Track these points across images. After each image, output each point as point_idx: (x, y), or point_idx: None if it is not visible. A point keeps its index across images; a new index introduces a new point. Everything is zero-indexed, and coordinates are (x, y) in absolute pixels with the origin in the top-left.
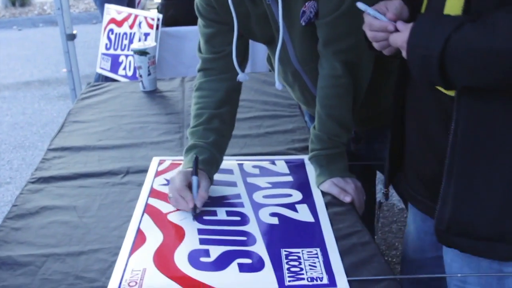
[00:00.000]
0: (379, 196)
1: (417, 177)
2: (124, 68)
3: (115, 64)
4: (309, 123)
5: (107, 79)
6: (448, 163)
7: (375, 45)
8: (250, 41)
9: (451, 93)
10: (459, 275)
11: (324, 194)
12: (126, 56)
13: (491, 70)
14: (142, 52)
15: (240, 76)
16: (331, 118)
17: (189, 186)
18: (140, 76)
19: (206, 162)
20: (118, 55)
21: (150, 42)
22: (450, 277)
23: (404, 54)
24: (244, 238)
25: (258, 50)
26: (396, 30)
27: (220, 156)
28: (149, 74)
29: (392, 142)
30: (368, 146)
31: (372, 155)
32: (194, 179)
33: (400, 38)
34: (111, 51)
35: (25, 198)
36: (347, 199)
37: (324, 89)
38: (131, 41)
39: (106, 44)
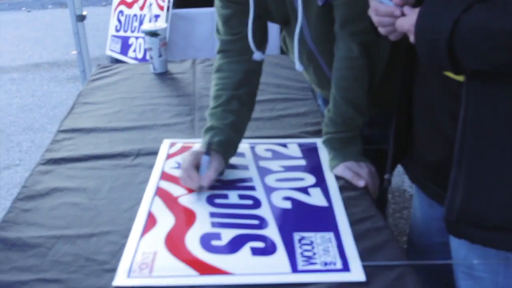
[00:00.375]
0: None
1: (425, 162)
2: (134, 50)
3: (125, 46)
4: (322, 106)
5: (118, 61)
6: (457, 151)
7: (381, 30)
8: None
9: (460, 78)
10: (475, 261)
11: (337, 178)
12: (136, 38)
13: (502, 52)
14: (153, 34)
15: (256, 55)
16: (346, 100)
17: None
18: (151, 58)
19: (223, 144)
20: (128, 37)
21: (161, 24)
22: (457, 264)
23: (411, 38)
24: (256, 222)
25: (270, 33)
26: (403, 15)
27: (238, 138)
28: (160, 56)
29: (397, 128)
30: (382, 131)
31: (386, 139)
32: (204, 158)
33: (407, 22)
34: (121, 33)
35: (35, 180)
36: (361, 183)
37: (339, 71)
38: (141, 23)
39: (116, 26)
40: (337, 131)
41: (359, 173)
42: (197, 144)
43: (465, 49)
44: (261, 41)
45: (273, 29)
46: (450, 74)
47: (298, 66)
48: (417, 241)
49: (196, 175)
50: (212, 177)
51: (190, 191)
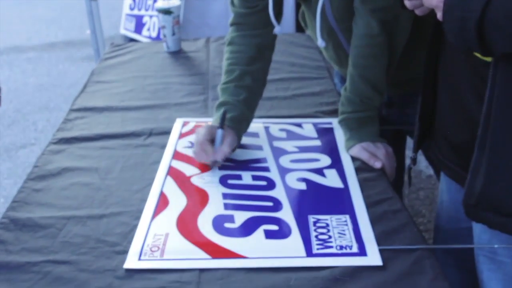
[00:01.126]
0: (407, 162)
1: (448, 144)
2: (148, 29)
3: (139, 25)
4: (339, 84)
5: (132, 40)
6: (480, 134)
7: (407, 3)
8: None
9: (488, 58)
10: (496, 246)
11: (353, 159)
12: (150, 16)
13: None
14: (167, 11)
15: (277, 29)
16: (364, 79)
17: (213, 142)
18: (164, 36)
19: (236, 120)
20: (142, 16)
21: (175, 1)
22: (479, 249)
23: (439, 15)
24: (270, 204)
25: (284, 10)
26: None
27: (251, 114)
28: (173, 34)
29: (423, 106)
30: (401, 111)
31: (405, 120)
32: (219, 132)
33: None
34: (135, 12)
35: (47, 159)
36: (377, 164)
37: (358, 48)
38: (155, 1)
39: (130, 5)
40: (354, 110)
41: (376, 154)
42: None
43: (496, 31)
44: (277, 15)
45: (288, 6)
46: (477, 54)
47: (320, 42)
48: (445, 226)
49: (211, 149)
50: (226, 151)
51: (203, 170)
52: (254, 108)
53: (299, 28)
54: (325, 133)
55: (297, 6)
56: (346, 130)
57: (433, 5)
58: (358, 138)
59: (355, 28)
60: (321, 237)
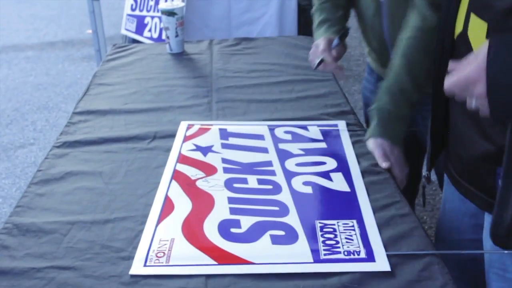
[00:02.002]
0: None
1: (461, 160)
2: (150, 30)
3: (140, 25)
4: (368, 77)
5: (134, 41)
6: (506, 163)
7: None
8: (280, 7)
9: None
10: (505, 251)
11: (359, 162)
12: (152, 17)
13: None
14: (170, 13)
15: None
16: (408, 71)
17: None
18: (167, 37)
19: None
20: (144, 17)
21: (178, 2)
22: (490, 265)
23: (479, 89)
24: (276, 208)
25: (286, 14)
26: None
27: (348, 29)
28: (176, 36)
29: (434, 124)
30: (418, 111)
31: (418, 121)
32: (337, 40)
33: (473, 69)
34: (137, 12)
35: (50, 163)
36: (384, 165)
37: (409, 39)
38: (157, 2)
39: (132, 5)
40: (389, 101)
41: (387, 155)
42: (216, 124)
43: None
44: None
45: (291, 11)
46: None
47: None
48: (447, 236)
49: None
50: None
51: (208, 173)
52: (346, 23)
53: (301, 33)
54: (331, 136)
55: (299, 12)
56: (376, 119)
57: (470, 80)
58: (381, 132)
59: (408, 21)
60: (328, 242)
